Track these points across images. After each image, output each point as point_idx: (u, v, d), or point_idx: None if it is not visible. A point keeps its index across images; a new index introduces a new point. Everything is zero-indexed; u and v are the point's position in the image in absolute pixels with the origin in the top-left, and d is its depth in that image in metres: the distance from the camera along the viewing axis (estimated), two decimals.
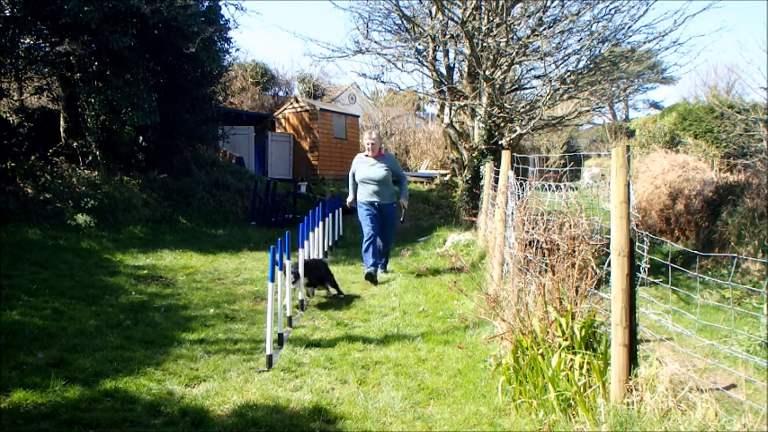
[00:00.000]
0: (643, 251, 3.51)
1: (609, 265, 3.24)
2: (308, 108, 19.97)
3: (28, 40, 10.89)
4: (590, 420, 3.14)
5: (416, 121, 26.21)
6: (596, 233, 3.92)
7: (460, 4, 9.65)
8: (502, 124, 10.68)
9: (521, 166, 6.14)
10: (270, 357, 4.38)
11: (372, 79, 11.23)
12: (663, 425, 2.80)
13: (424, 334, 5.23)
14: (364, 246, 7.35)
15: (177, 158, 12.91)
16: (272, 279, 4.68)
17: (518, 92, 12.40)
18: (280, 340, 4.92)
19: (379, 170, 7.36)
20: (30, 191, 9.58)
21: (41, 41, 11.01)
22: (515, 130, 10.29)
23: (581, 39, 9.93)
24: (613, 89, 13.11)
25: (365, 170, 7.44)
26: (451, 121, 11.66)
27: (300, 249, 6.50)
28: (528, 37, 9.50)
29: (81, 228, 9.39)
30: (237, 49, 25.35)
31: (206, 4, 12.51)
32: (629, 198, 3.11)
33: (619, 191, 3.10)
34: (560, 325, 3.61)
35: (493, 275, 5.98)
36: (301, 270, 6.17)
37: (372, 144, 7.37)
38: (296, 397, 3.83)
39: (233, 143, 17.00)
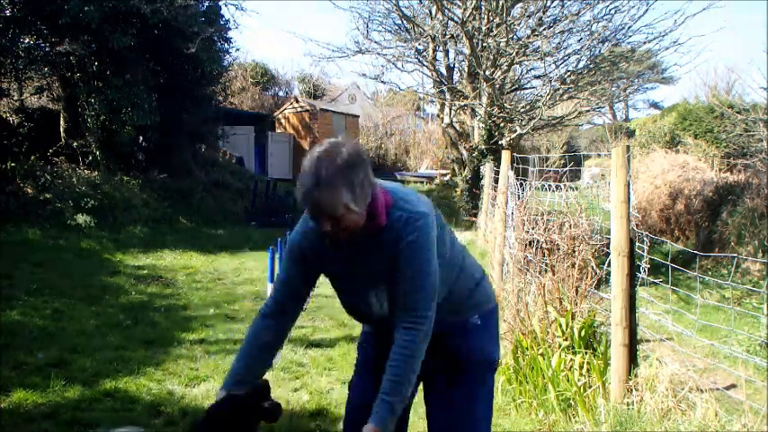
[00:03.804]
0: (643, 251, 3.51)
1: (609, 265, 3.24)
2: (308, 108, 19.98)
3: (28, 40, 10.89)
4: (590, 420, 3.14)
5: (416, 121, 26.21)
6: (596, 233, 3.93)
7: (460, 4, 9.65)
8: (502, 124, 10.69)
9: (521, 166, 6.13)
10: None
11: (372, 79, 11.27)
12: (663, 425, 2.80)
13: None
14: None
15: (177, 158, 12.90)
16: (272, 280, 4.68)
17: (518, 92, 12.42)
18: None
19: (375, 299, 1.83)
20: (30, 191, 9.57)
21: (41, 41, 11.01)
22: (515, 130, 10.29)
23: (581, 39, 9.96)
24: (613, 89, 13.13)
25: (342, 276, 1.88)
26: (451, 121, 11.66)
27: None
28: (528, 37, 9.51)
29: (81, 228, 9.38)
30: (237, 49, 25.40)
31: (206, 4, 12.52)
32: (629, 198, 3.11)
33: (619, 191, 3.10)
34: (560, 325, 3.60)
35: (493, 275, 5.98)
36: None
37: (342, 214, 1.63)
38: (296, 397, 3.82)
39: (233, 143, 17.00)
